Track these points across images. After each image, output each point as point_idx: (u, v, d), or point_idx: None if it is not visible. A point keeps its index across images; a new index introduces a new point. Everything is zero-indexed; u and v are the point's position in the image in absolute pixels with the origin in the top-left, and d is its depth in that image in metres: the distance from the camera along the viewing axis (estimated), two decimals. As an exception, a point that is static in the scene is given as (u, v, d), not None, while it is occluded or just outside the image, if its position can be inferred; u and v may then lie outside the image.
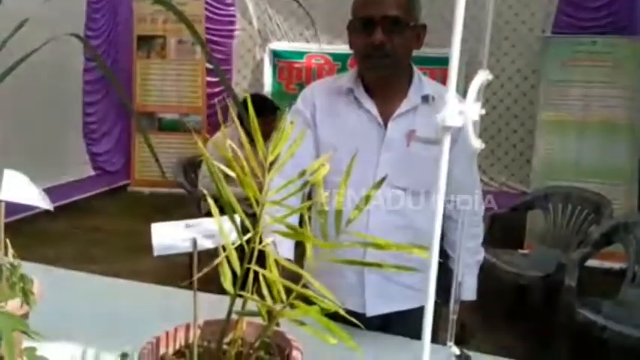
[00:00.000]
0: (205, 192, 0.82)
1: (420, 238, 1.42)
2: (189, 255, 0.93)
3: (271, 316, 0.79)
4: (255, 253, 0.78)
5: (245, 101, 0.83)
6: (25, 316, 1.03)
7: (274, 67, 5.71)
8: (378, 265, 0.80)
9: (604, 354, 2.67)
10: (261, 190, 0.77)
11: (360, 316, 1.44)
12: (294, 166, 1.00)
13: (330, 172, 0.87)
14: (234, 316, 0.86)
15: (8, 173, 1.10)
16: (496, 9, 5.33)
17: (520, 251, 3.99)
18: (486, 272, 3.04)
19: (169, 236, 0.90)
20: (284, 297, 0.78)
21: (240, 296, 0.82)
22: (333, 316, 0.76)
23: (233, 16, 6.20)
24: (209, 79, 6.01)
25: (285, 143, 0.82)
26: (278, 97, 5.41)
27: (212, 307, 0.94)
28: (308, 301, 0.79)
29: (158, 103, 6.00)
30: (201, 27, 5.78)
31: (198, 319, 0.92)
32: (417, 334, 0.62)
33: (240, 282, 0.79)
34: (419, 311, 0.64)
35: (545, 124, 4.71)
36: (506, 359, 1.34)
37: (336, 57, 5.40)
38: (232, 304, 0.80)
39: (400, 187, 1.41)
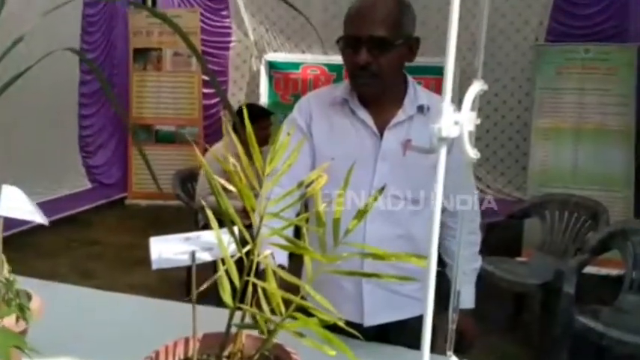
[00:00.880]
0: (204, 204, 0.82)
1: (418, 247, 1.43)
2: (187, 268, 0.93)
3: (271, 328, 0.79)
4: (254, 266, 0.78)
5: (240, 111, 0.83)
6: (24, 332, 1.02)
7: (270, 78, 5.73)
8: (377, 276, 0.80)
9: (603, 361, 2.67)
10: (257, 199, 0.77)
11: (358, 327, 1.44)
12: (291, 177, 1.00)
13: (327, 183, 0.87)
14: (233, 329, 0.86)
15: (4, 189, 1.10)
16: (490, 18, 5.37)
17: (518, 259, 3.99)
18: (485, 281, 3.05)
19: (168, 250, 0.90)
20: (283, 309, 0.78)
21: (240, 309, 0.82)
22: (332, 327, 0.76)
23: (229, 27, 6.24)
24: (205, 90, 6.03)
25: (282, 155, 0.83)
26: (274, 107, 5.41)
27: (211, 320, 0.93)
28: (306, 312, 0.79)
29: (154, 115, 6.01)
30: (197, 39, 5.80)
31: (198, 332, 0.92)
32: (415, 344, 0.62)
33: (239, 295, 0.79)
34: (417, 320, 0.64)
35: (541, 132, 4.73)
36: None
37: (332, 68, 5.43)
38: (231, 317, 0.80)
39: (397, 197, 1.42)
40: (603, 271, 4.10)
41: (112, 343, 1.31)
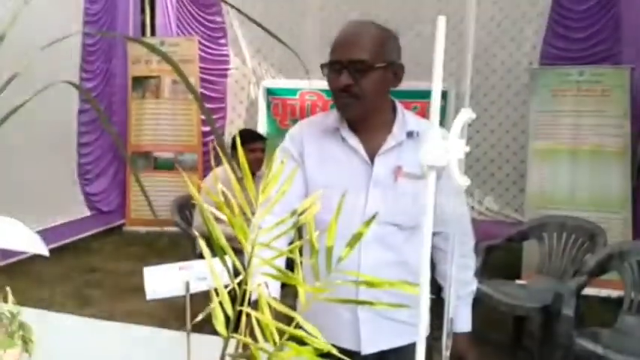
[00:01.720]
0: (197, 234, 0.83)
1: (412, 273, 1.43)
2: (185, 296, 0.93)
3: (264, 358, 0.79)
4: (247, 296, 0.78)
5: (234, 138, 0.85)
6: (21, 363, 1.02)
7: (268, 104, 5.78)
8: (370, 303, 0.81)
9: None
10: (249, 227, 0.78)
11: (355, 355, 1.44)
12: (283, 205, 1.01)
13: (319, 210, 0.88)
14: (227, 359, 0.86)
15: (1, 220, 1.10)
16: (483, 43, 5.45)
17: (517, 282, 3.98)
18: (484, 304, 3.05)
19: (162, 280, 0.91)
20: (277, 338, 0.79)
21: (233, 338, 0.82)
22: (328, 356, 0.77)
23: (226, 55, 6.32)
24: (204, 117, 6.07)
25: (275, 184, 0.84)
26: (273, 133, 5.46)
27: (207, 348, 0.94)
28: (301, 341, 0.79)
29: (153, 143, 6.04)
30: (195, 67, 5.87)
31: (193, 361, 0.92)
32: (411, 371, 0.62)
33: (232, 324, 0.80)
34: (415, 346, 0.65)
35: (537, 154, 4.76)
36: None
37: (329, 93, 5.46)
38: (225, 346, 0.81)
39: (390, 223, 1.42)
40: (603, 292, 4.09)
41: (108, 374, 1.31)
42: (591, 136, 4.62)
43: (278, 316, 0.80)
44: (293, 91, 5.68)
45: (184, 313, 0.89)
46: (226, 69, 6.36)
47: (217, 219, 0.77)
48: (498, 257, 3.99)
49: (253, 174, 3.25)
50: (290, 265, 0.77)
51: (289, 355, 0.75)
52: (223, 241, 0.75)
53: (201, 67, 6.06)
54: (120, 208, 6.12)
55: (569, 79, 4.73)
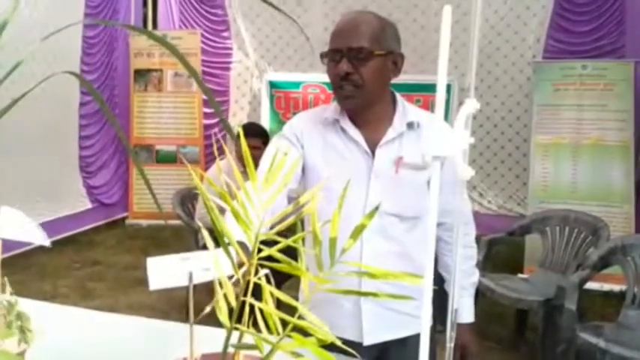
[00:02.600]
0: (200, 225, 0.83)
1: (414, 264, 1.43)
2: (188, 288, 0.93)
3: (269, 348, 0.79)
4: (251, 286, 0.78)
5: (238, 132, 0.84)
6: (22, 354, 1.02)
7: (271, 97, 5.77)
8: (375, 295, 0.81)
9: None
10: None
11: (357, 346, 1.44)
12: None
13: (321, 202, 0.87)
14: (231, 350, 0.86)
15: (3, 210, 1.10)
16: (486, 36, 5.43)
17: (520, 276, 3.98)
18: (486, 297, 3.05)
19: (165, 270, 0.90)
20: (280, 329, 0.79)
21: (237, 329, 0.82)
22: (331, 347, 0.76)
23: (230, 48, 6.30)
24: (206, 110, 6.07)
25: (277, 174, 0.83)
26: (276, 126, 5.45)
27: (210, 339, 0.93)
28: (305, 331, 0.79)
29: (155, 136, 6.04)
30: (198, 60, 5.85)
31: (197, 352, 0.92)
32: (414, 362, 0.62)
33: (236, 315, 0.80)
34: (417, 338, 0.64)
35: (540, 147, 4.75)
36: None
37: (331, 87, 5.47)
38: (229, 337, 0.81)
39: (391, 214, 1.42)
40: (605, 286, 4.09)
41: (111, 365, 1.31)
42: (594, 130, 4.61)
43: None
44: (296, 84, 5.67)
45: (186, 306, 0.89)
46: (229, 62, 6.34)
47: (221, 209, 0.77)
48: (500, 251, 3.99)
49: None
50: (292, 254, 0.77)
51: (292, 347, 0.75)
52: (227, 232, 0.75)
53: (203, 60, 6.05)
54: (122, 201, 6.12)
55: (572, 72, 4.71)
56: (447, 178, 0.72)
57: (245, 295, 0.78)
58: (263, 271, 0.77)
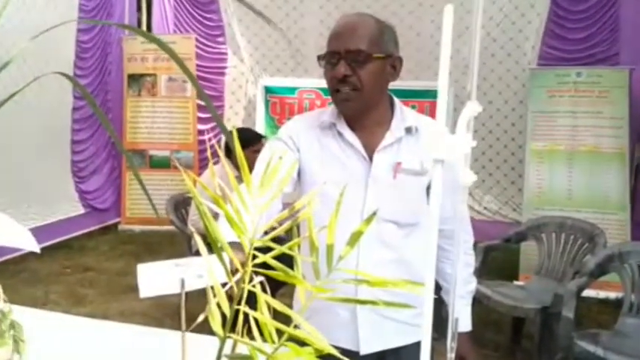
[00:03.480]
0: (193, 230, 0.80)
1: (411, 271, 1.41)
2: (180, 295, 0.90)
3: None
4: (245, 294, 0.76)
5: (232, 136, 0.81)
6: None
7: (266, 102, 5.76)
8: (373, 303, 0.78)
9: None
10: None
11: (354, 355, 1.41)
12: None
13: (317, 207, 0.85)
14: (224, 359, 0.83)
15: (-8, 215, 1.07)
16: (482, 43, 5.43)
17: (515, 283, 3.96)
18: (482, 305, 3.03)
19: (156, 277, 0.88)
20: (275, 338, 0.76)
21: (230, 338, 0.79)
22: (327, 357, 0.74)
23: (224, 53, 6.29)
24: (200, 115, 6.04)
25: (273, 179, 0.81)
26: (271, 131, 5.44)
27: (204, 348, 0.91)
28: (300, 341, 0.76)
29: (149, 141, 6.01)
30: (192, 64, 5.83)
31: (188, 362, 0.89)
32: (413, 374, 0.60)
33: (229, 324, 0.77)
34: (413, 347, 0.62)
35: (535, 154, 4.75)
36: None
37: (328, 92, 5.45)
38: (222, 347, 0.78)
39: (389, 220, 1.40)
40: (601, 294, 4.08)
41: (100, 374, 1.28)
42: (589, 137, 4.61)
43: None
44: (291, 90, 5.65)
45: (179, 312, 0.86)
46: (224, 67, 6.33)
47: (214, 214, 0.74)
48: (496, 258, 3.98)
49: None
50: (287, 262, 0.74)
51: (288, 357, 0.72)
52: (221, 237, 0.72)
53: (198, 65, 6.02)
54: (115, 206, 6.07)
55: (567, 79, 4.72)
56: (446, 184, 0.70)
57: (239, 303, 0.75)
58: (258, 279, 0.74)
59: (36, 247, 1.12)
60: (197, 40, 6.06)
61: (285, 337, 0.75)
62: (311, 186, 1.42)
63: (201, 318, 0.78)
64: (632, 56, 4.79)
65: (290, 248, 0.75)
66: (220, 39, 6.26)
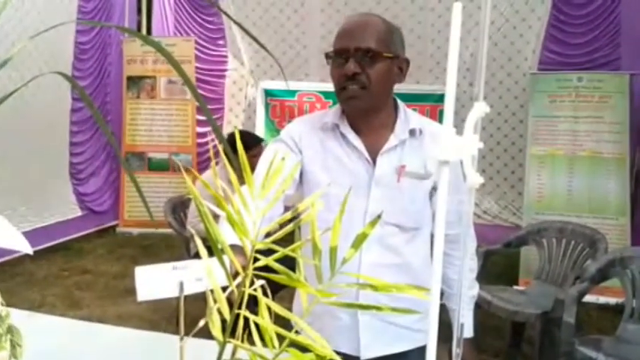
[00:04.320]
0: (193, 232, 0.78)
1: (414, 275, 1.39)
2: (178, 298, 0.88)
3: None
4: (246, 298, 0.74)
5: (230, 139, 0.80)
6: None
7: (266, 105, 5.74)
8: (376, 308, 0.76)
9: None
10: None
11: (355, 360, 1.39)
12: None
13: (319, 210, 0.83)
14: (223, 364, 0.81)
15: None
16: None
17: (515, 287, 3.94)
18: (482, 309, 3.01)
19: (154, 280, 0.85)
20: (276, 343, 0.74)
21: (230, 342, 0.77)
22: (328, 362, 0.72)
23: (224, 56, 6.28)
24: (199, 117, 6.02)
25: (275, 181, 0.79)
26: (271, 134, 5.43)
27: (202, 352, 0.89)
28: (300, 346, 0.74)
29: (147, 143, 5.99)
30: (192, 67, 5.82)
31: (186, 367, 0.87)
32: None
33: (229, 328, 0.75)
34: (415, 353, 0.60)
35: (535, 158, 4.74)
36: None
37: (328, 95, 5.45)
38: (221, 352, 0.76)
39: (391, 224, 1.38)
40: (601, 299, 4.06)
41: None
42: (590, 142, 4.60)
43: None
44: (291, 93, 5.64)
45: (177, 316, 0.84)
46: (224, 70, 6.31)
47: (215, 216, 0.72)
48: (496, 263, 3.96)
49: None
50: (288, 265, 0.72)
51: (290, 363, 0.70)
52: (221, 238, 0.70)
53: (198, 68, 6.01)
54: (113, 208, 6.05)
55: (567, 84, 4.71)
56: (450, 188, 0.68)
57: (240, 307, 0.73)
58: (259, 282, 0.72)
59: (28, 249, 1.10)
60: (197, 42, 6.04)
61: (286, 342, 0.73)
62: (313, 188, 1.40)
63: (201, 324, 0.76)
64: (633, 61, 4.77)
65: (292, 251, 0.74)
66: (221, 42, 6.24)
